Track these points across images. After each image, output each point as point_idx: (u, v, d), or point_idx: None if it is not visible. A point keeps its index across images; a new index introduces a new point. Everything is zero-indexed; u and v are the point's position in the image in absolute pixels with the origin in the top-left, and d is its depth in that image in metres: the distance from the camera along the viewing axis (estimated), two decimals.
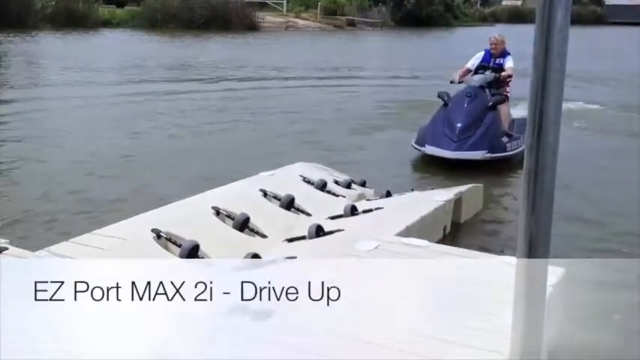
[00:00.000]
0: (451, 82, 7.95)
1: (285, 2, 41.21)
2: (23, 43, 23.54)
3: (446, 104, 7.57)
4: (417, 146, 7.36)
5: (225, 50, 23.95)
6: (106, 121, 9.82)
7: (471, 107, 7.28)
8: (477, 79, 7.58)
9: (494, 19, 54.09)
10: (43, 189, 6.16)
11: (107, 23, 34.13)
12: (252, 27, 35.44)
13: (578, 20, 42.41)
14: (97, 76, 15.38)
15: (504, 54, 7.72)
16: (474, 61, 7.88)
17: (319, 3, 40.67)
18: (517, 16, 51.96)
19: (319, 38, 32.74)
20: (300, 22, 39.36)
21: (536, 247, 1.60)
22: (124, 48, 23.18)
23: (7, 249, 2.73)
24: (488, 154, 6.97)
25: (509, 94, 7.75)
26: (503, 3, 61.68)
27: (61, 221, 5.24)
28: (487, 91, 7.53)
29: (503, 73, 7.58)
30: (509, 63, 7.64)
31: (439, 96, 7.80)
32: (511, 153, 7.18)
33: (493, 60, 7.73)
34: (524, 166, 1.61)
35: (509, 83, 7.71)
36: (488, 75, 7.59)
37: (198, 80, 15.26)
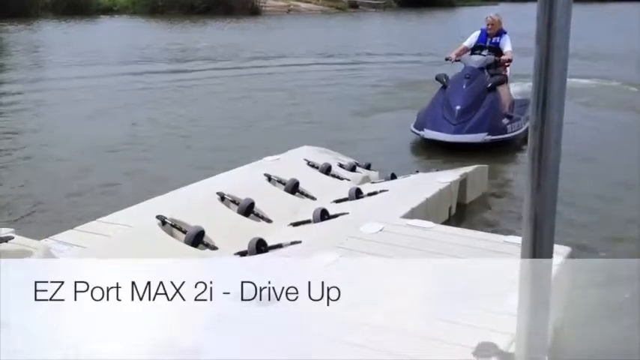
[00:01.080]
0: (446, 60, 7.80)
1: None
2: (24, 31, 23.49)
3: (444, 86, 7.45)
4: (415, 130, 7.25)
5: (227, 35, 23.83)
6: (105, 104, 9.84)
7: (469, 89, 7.15)
8: (477, 61, 7.44)
9: None
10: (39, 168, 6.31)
11: (108, 10, 34.10)
12: (254, 11, 35.27)
13: None
14: (96, 61, 15.38)
15: (500, 33, 7.63)
16: (471, 40, 7.78)
17: None
18: None
19: (321, 21, 32.54)
20: (302, 5, 39.15)
21: (541, 225, 1.60)
22: (124, 35, 23.08)
23: (12, 238, 2.72)
24: (489, 137, 6.86)
25: (508, 75, 7.66)
26: None
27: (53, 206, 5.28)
28: (486, 71, 7.40)
29: (503, 57, 7.46)
30: (507, 46, 7.51)
31: (437, 78, 7.66)
32: (512, 135, 7.09)
33: (489, 39, 7.64)
34: (528, 144, 1.60)
35: (507, 68, 7.63)
36: (489, 57, 7.45)
37: (198, 62, 15.26)
